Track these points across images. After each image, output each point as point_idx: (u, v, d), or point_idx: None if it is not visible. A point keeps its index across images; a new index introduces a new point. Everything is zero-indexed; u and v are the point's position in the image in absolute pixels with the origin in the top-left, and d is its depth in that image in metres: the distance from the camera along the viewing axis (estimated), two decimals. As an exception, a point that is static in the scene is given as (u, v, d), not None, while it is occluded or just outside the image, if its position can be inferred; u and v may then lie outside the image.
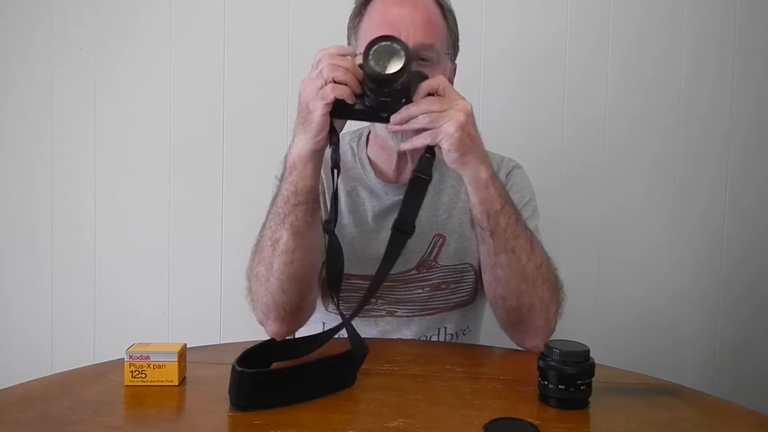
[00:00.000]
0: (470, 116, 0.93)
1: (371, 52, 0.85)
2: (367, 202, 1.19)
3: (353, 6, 1.17)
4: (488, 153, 1.27)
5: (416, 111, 0.91)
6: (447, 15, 1.15)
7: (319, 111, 0.90)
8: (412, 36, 1.07)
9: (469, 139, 0.93)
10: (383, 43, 0.86)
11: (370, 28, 1.12)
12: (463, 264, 1.17)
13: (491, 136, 1.60)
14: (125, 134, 1.68)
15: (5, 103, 1.70)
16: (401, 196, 1.20)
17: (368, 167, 1.22)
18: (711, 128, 1.65)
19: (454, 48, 1.18)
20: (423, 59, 1.08)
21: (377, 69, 0.85)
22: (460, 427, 0.73)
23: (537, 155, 1.62)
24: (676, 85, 1.64)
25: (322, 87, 0.89)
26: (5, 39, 1.68)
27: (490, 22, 1.62)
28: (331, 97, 0.89)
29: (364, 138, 1.26)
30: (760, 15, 1.62)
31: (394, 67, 0.85)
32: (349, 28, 1.19)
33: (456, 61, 1.21)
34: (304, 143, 0.95)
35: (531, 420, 0.73)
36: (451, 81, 1.19)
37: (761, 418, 0.78)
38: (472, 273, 1.17)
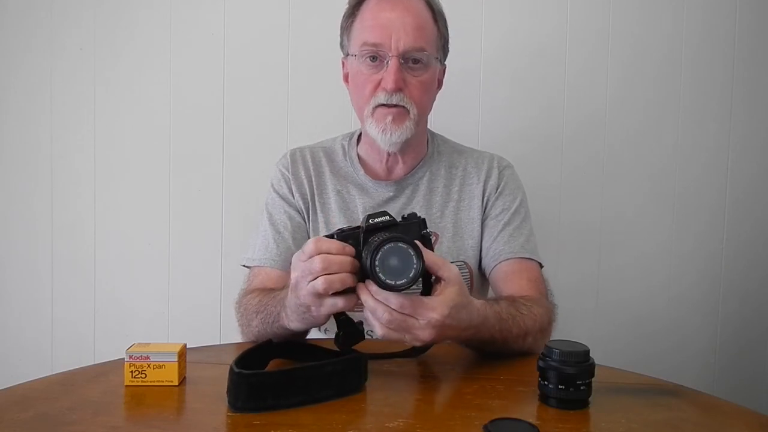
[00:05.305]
0: (449, 314, 0.81)
1: (377, 263, 0.75)
2: (357, 199, 1.19)
3: (346, 6, 1.18)
4: (478, 152, 1.28)
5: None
6: (438, 19, 1.16)
7: (321, 311, 0.83)
8: (402, 40, 1.09)
9: (444, 332, 0.84)
10: (389, 245, 0.75)
11: (363, 31, 1.13)
12: (458, 262, 1.17)
13: (491, 136, 1.62)
14: (125, 134, 1.68)
15: (5, 102, 1.69)
16: (392, 193, 1.21)
17: (357, 165, 1.23)
18: (711, 129, 1.65)
19: (443, 51, 1.20)
20: (414, 61, 1.11)
21: (390, 283, 0.76)
22: (460, 427, 0.73)
23: (537, 155, 1.63)
24: (676, 85, 1.64)
25: (320, 294, 0.81)
26: (5, 39, 1.68)
27: (490, 20, 1.62)
28: (328, 304, 0.82)
29: (355, 136, 1.26)
30: (761, 14, 1.62)
31: (406, 276, 0.76)
32: (342, 28, 1.20)
33: (446, 63, 1.22)
34: (300, 326, 0.90)
35: (531, 420, 0.72)
36: (440, 81, 1.22)
37: (761, 418, 0.78)
38: (467, 271, 1.17)
